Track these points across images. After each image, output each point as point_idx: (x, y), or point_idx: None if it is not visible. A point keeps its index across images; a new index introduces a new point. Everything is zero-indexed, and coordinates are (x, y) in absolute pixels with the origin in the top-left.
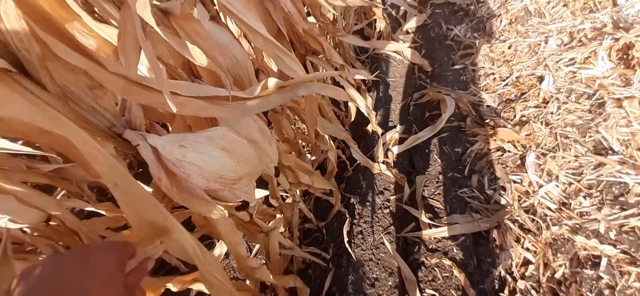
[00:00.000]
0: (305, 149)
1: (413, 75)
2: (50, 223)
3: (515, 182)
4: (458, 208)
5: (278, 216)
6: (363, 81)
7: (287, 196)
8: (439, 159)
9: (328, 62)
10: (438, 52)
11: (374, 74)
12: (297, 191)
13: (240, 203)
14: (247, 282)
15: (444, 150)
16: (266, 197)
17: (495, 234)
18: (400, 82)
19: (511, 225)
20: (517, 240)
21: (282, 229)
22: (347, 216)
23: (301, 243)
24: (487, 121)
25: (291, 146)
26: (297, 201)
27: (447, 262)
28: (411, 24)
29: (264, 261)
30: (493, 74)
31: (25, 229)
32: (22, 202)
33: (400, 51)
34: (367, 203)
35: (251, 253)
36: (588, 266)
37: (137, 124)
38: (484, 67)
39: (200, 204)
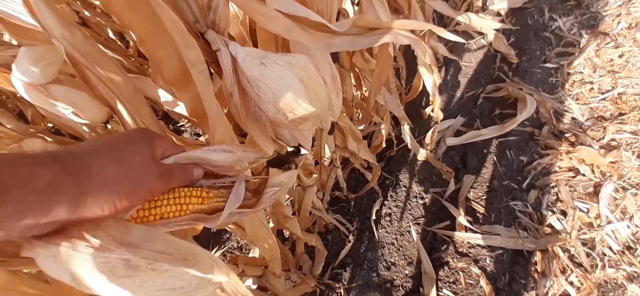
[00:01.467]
0: (356, 116)
1: (492, 64)
2: (108, 126)
3: (580, 210)
4: (504, 219)
5: (314, 175)
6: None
7: (324, 159)
8: (497, 164)
9: None
10: (530, 43)
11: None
12: (338, 156)
13: (293, 149)
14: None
15: (506, 155)
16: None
17: (538, 257)
18: (474, 69)
19: (561, 254)
20: (563, 271)
21: (315, 188)
22: (380, 195)
23: (328, 209)
24: (567, 135)
25: (346, 108)
26: (337, 166)
27: (475, 270)
28: (503, 4)
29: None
30: (591, 83)
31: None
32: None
33: (488, 30)
34: (404, 188)
35: None
36: None
37: (221, 27)
38: (582, 72)
39: (261, 134)
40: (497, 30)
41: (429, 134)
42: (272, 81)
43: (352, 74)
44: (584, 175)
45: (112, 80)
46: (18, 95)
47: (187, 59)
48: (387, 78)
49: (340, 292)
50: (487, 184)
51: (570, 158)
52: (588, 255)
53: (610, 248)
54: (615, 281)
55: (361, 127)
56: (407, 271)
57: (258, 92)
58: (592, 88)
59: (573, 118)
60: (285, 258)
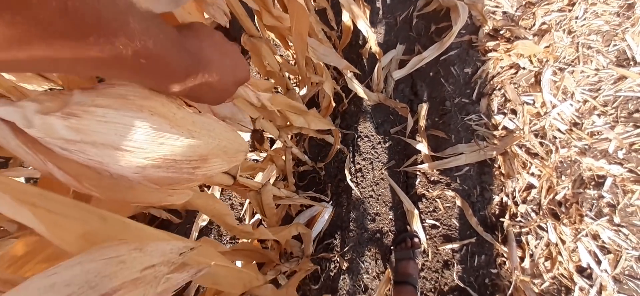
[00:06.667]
0: (293, 83)
1: None
2: None
3: (527, 104)
4: (464, 136)
5: (269, 166)
6: None
7: (275, 141)
8: (445, 83)
9: None
10: None
11: None
12: (289, 135)
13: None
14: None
15: (452, 71)
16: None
17: (501, 161)
18: None
19: (519, 151)
20: (524, 166)
21: (275, 175)
22: (346, 153)
23: (298, 187)
24: (502, 32)
25: (277, 80)
26: (289, 146)
27: (449, 193)
28: None
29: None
30: None
31: None
32: None
33: None
34: (366, 138)
35: (243, 207)
36: (591, 187)
37: None
38: None
39: (146, 194)
40: None
41: (374, 74)
42: (103, 136)
43: (273, 35)
44: (524, 68)
45: None
46: None
47: None
48: (311, 30)
49: (337, 260)
50: (441, 107)
51: (510, 55)
52: (541, 143)
53: (559, 130)
54: (569, 158)
55: (303, 91)
56: (391, 216)
57: (91, 158)
58: None
59: (505, 12)
60: (268, 257)
